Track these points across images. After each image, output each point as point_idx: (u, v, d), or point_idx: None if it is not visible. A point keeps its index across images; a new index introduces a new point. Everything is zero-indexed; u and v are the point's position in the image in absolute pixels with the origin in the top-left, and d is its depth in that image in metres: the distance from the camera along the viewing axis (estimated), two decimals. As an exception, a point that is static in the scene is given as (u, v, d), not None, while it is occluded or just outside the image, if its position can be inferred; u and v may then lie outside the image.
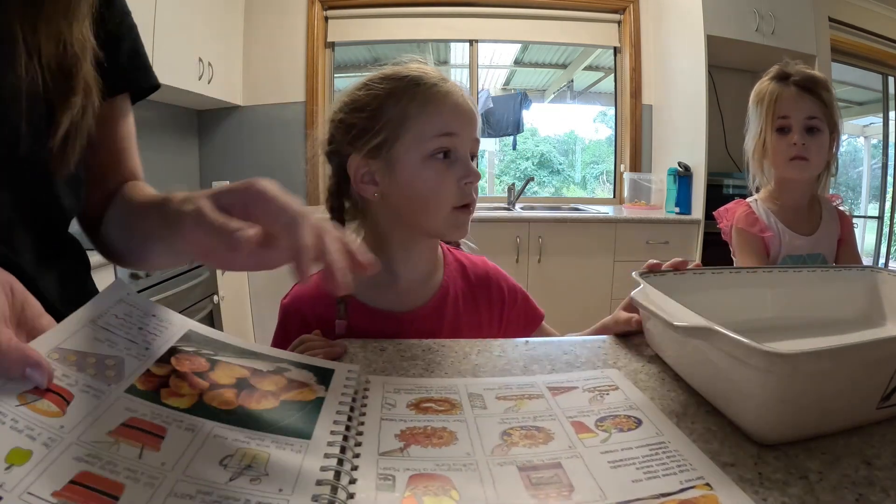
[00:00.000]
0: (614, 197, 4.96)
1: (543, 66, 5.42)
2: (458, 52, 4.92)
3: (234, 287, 3.47)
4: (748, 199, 1.74)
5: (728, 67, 4.12)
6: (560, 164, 6.77)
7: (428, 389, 0.73)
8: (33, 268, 0.73)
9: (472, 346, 0.94)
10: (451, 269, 1.16)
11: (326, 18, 4.44)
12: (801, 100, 1.54)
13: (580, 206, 4.55)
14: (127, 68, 0.90)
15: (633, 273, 0.94)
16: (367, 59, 5.03)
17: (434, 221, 1.04)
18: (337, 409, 0.63)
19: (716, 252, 3.75)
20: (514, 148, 5.40)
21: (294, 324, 1.10)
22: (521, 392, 0.73)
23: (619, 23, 4.63)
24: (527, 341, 0.97)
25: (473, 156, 1.07)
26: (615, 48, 4.72)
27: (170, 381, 0.59)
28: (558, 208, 4.50)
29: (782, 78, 1.57)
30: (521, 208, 4.40)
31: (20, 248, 0.72)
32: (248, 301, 3.70)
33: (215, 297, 3.15)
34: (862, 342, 0.61)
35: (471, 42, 4.60)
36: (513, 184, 4.55)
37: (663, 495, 0.51)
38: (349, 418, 0.62)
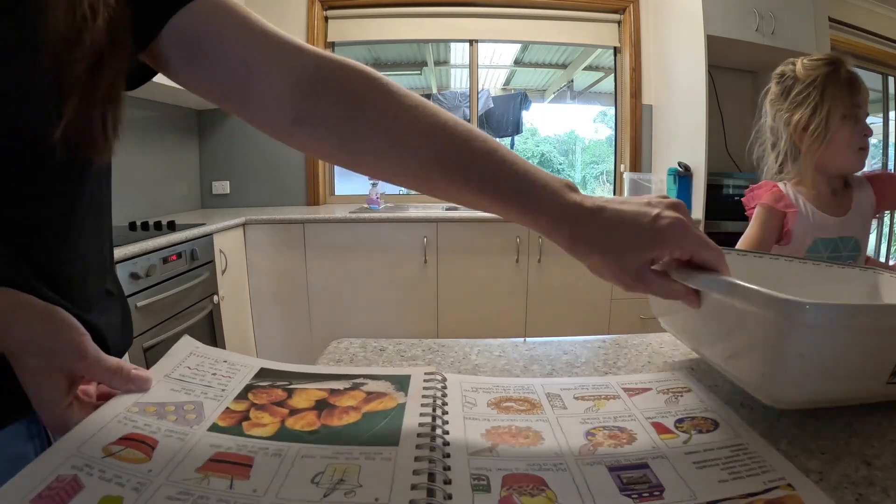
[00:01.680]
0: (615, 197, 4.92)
1: (543, 66, 5.41)
2: (458, 52, 4.92)
3: (233, 287, 3.47)
4: (778, 182, 1.68)
5: (728, 67, 4.12)
6: (560, 164, 6.76)
7: (505, 388, 0.74)
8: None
9: (471, 346, 0.94)
10: None
11: (326, 18, 4.43)
12: (867, 94, 1.53)
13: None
14: None
15: None
16: (367, 59, 5.02)
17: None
18: (420, 411, 0.64)
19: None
20: (513, 148, 5.39)
21: None
22: (598, 392, 0.74)
23: (619, 23, 4.62)
24: (525, 341, 0.97)
25: None
26: (615, 48, 4.71)
27: (250, 414, 0.61)
28: (559, 208, 4.45)
29: (846, 64, 1.54)
30: (522, 209, 4.35)
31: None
32: (248, 301, 3.69)
33: (215, 297, 3.15)
34: (881, 304, 0.61)
35: (471, 42, 4.58)
36: (513, 184, 4.53)
37: (750, 495, 0.51)
38: (433, 419, 0.62)
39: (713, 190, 3.80)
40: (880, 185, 1.66)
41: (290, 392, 0.67)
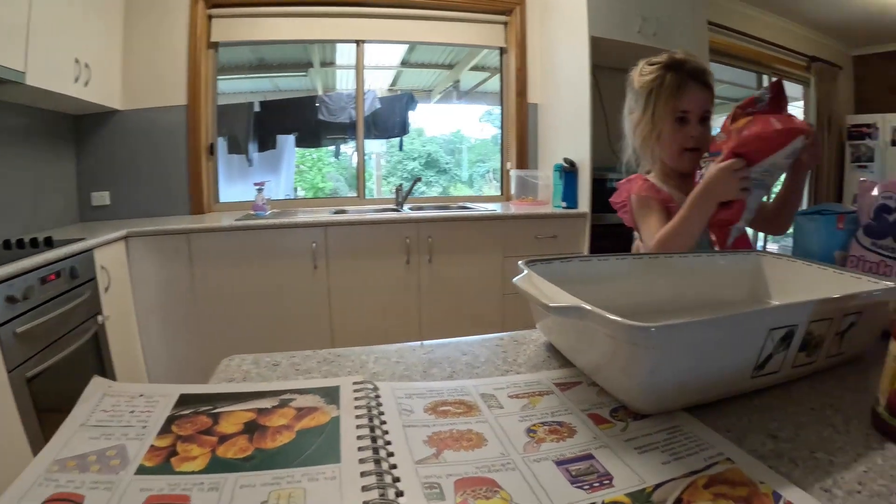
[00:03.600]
0: (502, 194, 5.06)
1: (430, 66, 5.43)
2: (345, 53, 4.87)
3: (118, 305, 3.29)
4: (647, 175, 1.73)
5: (611, 67, 4.24)
6: (447, 163, 6.82)
7: (439, 392, 0.73)
8: None
9: (368, 353, 0.92)
10: None
11: (210, 17, 4.27)
12: (700, 94, 1.57)
13: (468, 205, 4.60)
14: None
15: (519, 262, 0.96)
16: (252, 61, 4.90)
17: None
18: (356, 423, 0.62)
19: (604, 244, 3.89)
20: (401, 149, 5.39)
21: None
22: (531, 389, 0.75)
23: (505, 24, 4.72)
24: (422, 344, 0.96)
25: None
26: (501, 48, 4.80)
27: (177, 447, 0.57)
28: (447, 207, 4.52)
29: (676, 68, 1.57)
30: (410, 209, 4.39)
31: None
32: (135, 319, 3.52)
33: (99, 317, 2.99)
34: (717, 317, 0.66)
35: (357, 42, 4.56)
36: (400, 185, 4.54)
37: (693, 473, 0.54)
38: (372, 430, 0.61)
39: (598, 184, 3.95)
40: None
41: (215, 417, 0.64)
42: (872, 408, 0.68)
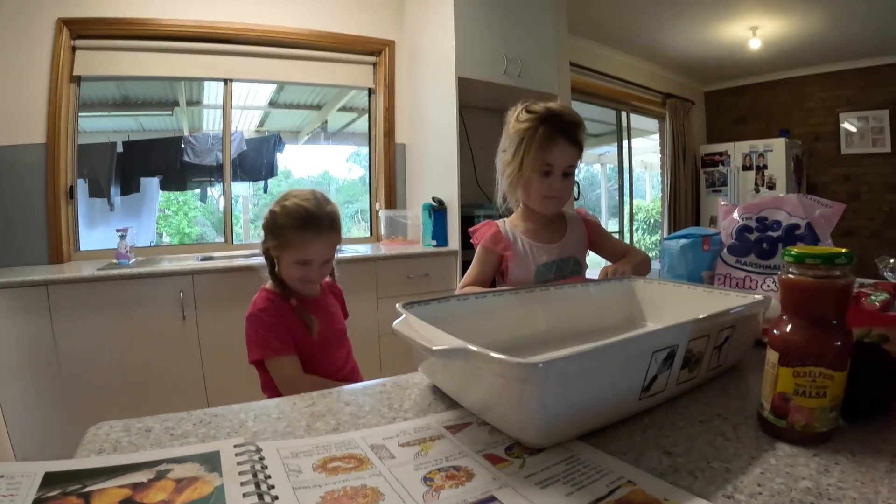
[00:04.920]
0: (371, 235, 5.03)
1: (298, 107, 5.39)
2: (212, 93, 4.73)
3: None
4: (497, 221, 1.85)
5: (478, 107, 4.35)
6: (314, 205, 6.77)
7: (327, 448, 0.69)
8: None
9: (246, 411, 0.86)
10: None
11: (74, 49, 3.95)
12: (567, 151, 1.64)
13: (338, 247, 4.52)
14: None
15: (397, 305, 0.95)
16: (116, 98, 4.64)
17: None
18: (243, 491, 0.56)
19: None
20: (266, 191, 5.30)
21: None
22: (421, 435, 0.72)
23: (374, 64, 4.75)
24: (302, 397, 0.92)
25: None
26: (370, 89, 4.82)
27: None
28: (315, 250, 4.40)
29: (551, 121, 1.63)
30: (277, 253, 4.24)
31: None
32: None
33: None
34: (601, 345, 0.67)
35: (225, 81, 4.44)
36: (267, 229, 4.43)
37: (598, 500, 0.54)
38: (260, 497, 0.55)
39: (467, 221, 4.00)
40: (589, 227, 1.88)
41: (86, 497, 0.56)
42: (758, 412, 0.71)
